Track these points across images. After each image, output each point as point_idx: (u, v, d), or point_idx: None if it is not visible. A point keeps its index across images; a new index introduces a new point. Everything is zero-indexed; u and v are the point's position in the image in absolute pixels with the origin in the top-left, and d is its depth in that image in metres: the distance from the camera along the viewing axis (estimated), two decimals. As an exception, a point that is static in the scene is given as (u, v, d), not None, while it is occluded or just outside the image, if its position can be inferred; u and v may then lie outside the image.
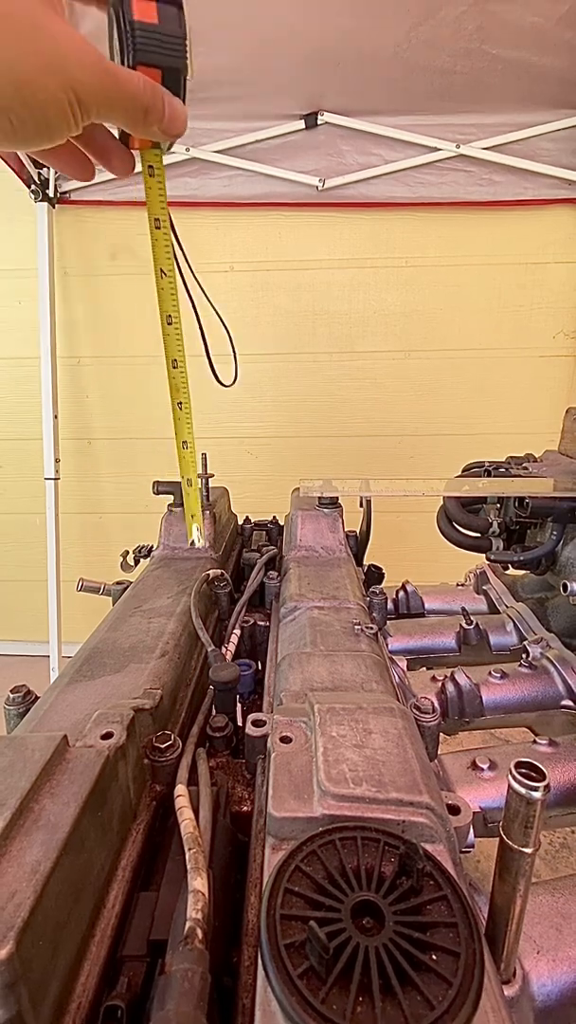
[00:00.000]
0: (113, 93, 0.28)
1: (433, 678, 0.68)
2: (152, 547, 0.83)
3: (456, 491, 0.85)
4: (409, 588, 0.92)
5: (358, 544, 0.94)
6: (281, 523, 1.03)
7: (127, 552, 0.86)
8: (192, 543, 0.45)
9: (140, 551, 0.85)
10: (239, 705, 0.56)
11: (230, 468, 1.93)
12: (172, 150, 0.38)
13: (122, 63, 0.30)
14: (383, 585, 0.83)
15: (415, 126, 1.67)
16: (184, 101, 0.31)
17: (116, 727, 0.35)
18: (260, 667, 0.63)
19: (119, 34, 0.30)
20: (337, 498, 0.83)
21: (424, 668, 0.81)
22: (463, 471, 0.94)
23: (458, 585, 1.01)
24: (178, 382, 0.41)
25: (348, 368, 1.86)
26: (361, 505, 0.93)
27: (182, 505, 0.80)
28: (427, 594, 0.93)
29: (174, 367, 0.41)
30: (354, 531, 0.95)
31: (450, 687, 0.65)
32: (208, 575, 0.67)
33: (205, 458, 0.83)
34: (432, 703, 0.47)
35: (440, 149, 1.69)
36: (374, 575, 0.87)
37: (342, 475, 0.79)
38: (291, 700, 0.43)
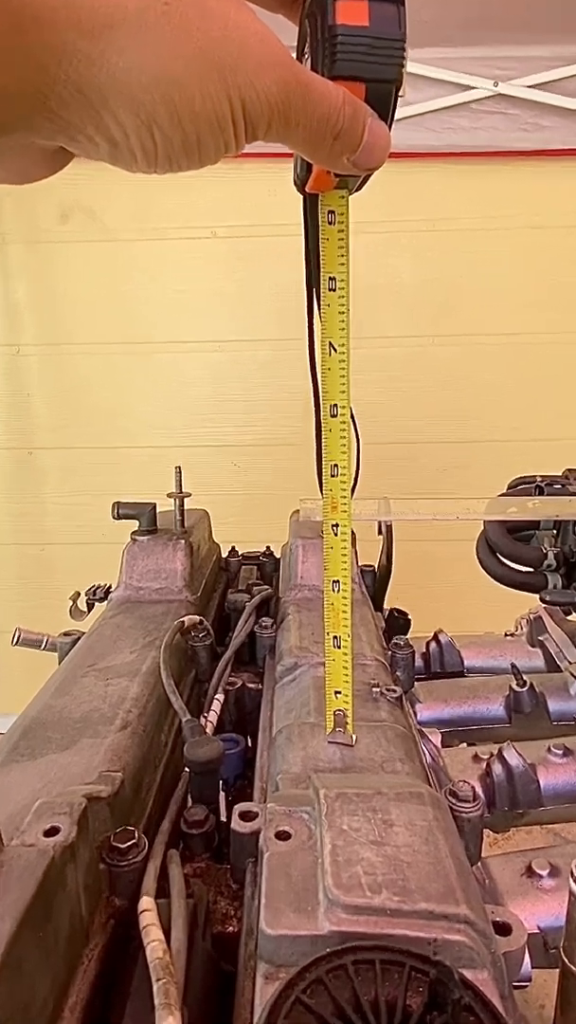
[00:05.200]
0: (298, 108, 0.26)
1: (475, 757, 0.68)
2: (110, 587, 0.84)
3: (500, 514, 0.87)
4: (443, 639, 0.92)
5: (376, 582, 0.95)
6: (277, 555, 1.03)
7: (78, 594, 0.86)
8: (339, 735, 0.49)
9: (95, 592, 0.85)
10: (223, 793, 0.56)
11: (211, 484, 1.94)
12: (356, 189, 0.38)
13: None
14: (409, 635, 0.83)
15: (444, 60, 1.74)
16: (391, 124, 0.30)
17: (63, 820, 0.35)
18: (250, 743, 0.62)
19: (313, 43, 0.30)
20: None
21: (464, 744, 0.80)
22: (509, 488, 0.95)
23: (507, 635, 1.01)
24: (336, 495, 0.46)
25: (358, 357, 1.89)
26: (380, 532, 0.93)
27: (150, 531, 0.82)
28: (466, 647, 0.93)
29: (332, 475, 0.45)
30: (371, 565, 0.96)
31: (497, 768, 0.65)
32: (182, 623, 0.67)
33: (180, 473, 0.84)
34: (474, 789, 0.47)
35: (474, 87, 1.76)
36: (397, 622, 0.87)
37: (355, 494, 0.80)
38: (290, 785, 0.43)
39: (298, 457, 1.95)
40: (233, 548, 1.05)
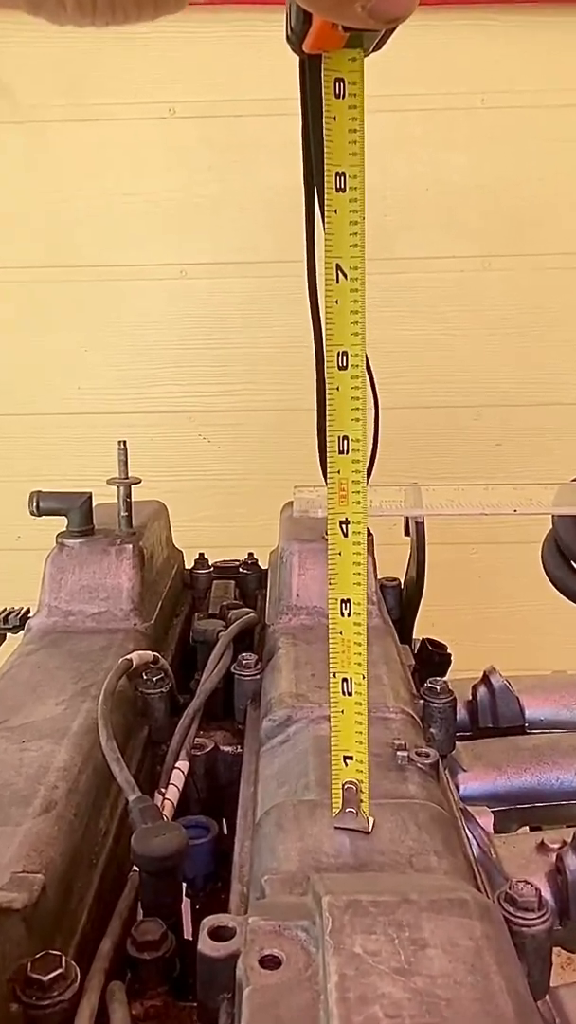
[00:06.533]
0: None
1: (541, 846, 0.68)
2: (28, 611, 0.83)
3: (575, 506, 0.87)
4: (496, 681, 0.92)
5: (402, 602, 0.95)
6: (262, 565, 1.04)
7: (-17, 621, 0.86)
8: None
9: (6, 619, 0.85)
10: (187, 901, 0.56)
11: (172, 466, 1.94)
12: (374, 49, 0.38)
13: None
14: (449, 676, 0.83)
15: None
16: None
17: (-40, 943, 0.35)
18: (225, 830, 0.63)
19: None
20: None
21: (525, 828, 0.81)
22: (588, 470, 0.95)
23: (584, 675, 1.01)
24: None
25: (382, 287, 1.89)
26: (407, 533, 0.93)
27: (83, 532, 0.81)
28: (528, 692, 0.94)
29: (341, 451, 0.45)
30: (395, 579, 0.96)
31: (572, 862, 0.65)
32: (129, 662, 0.67)
33: (125, 450, 0.84)
34: (539, 892, 0.47)
35: None
36: (432, 658, 0.88)
37: (371, 479, 0.80)
38: (282, 890, 0.43)
39: (292, 427, 1.95)
40: (201, 556, 1.05)
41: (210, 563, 1.05)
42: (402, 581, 0.97)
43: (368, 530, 0.88)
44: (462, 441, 1.97)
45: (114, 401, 1.97)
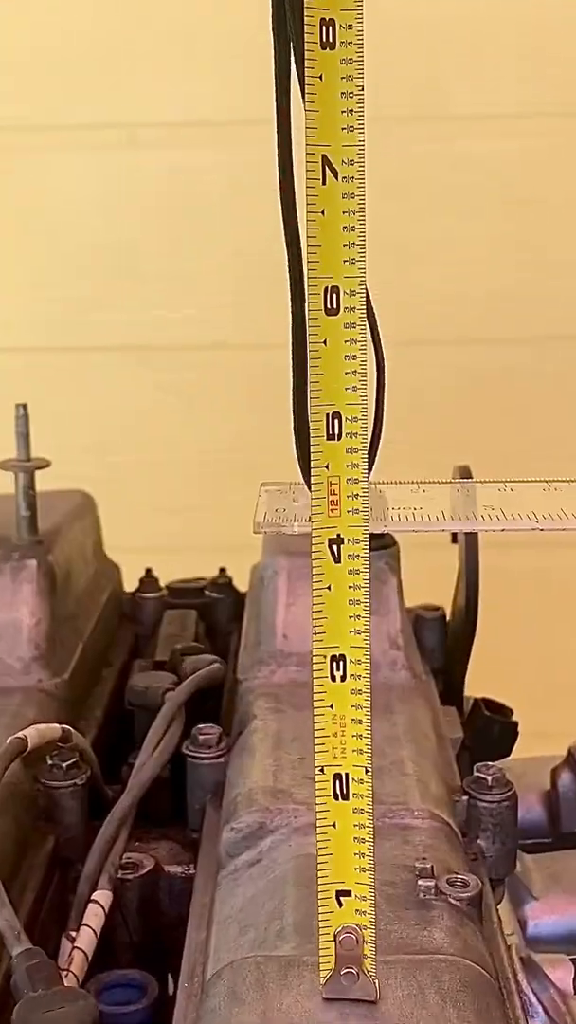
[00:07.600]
0: None
1: None
2: None
3: None
4: (589, 765, 0.93)
5: (448, 642, 0.95)
6: (241, 588, 1.04)
7: None
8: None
9: None
10: None
11: (106, 434, 1.94)
12: None
13: None
14: (514, 755, 0.83)
15: None
16: None
17: None
18: (166, 990, 0.63)
19: None
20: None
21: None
22: None
23: None
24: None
25: (419, 160, 1.88)
26: (455, 539, 0.93)
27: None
28: None
29: (331, 435, 0.45)
30: (438, 607, 0.96)
31: None
32: (22, 742, 0.67)
33: (26, 417, 0.84)
34: None
35: None
36: (490, 728, 0.88)
37: (394, 462, 0.78)
38: None
39: (275, 377, 1.93)
40: (148, 572, 1.05)
41: (162, 585, 1.04)
42: (450, 610, 0.97)
43: (394, 542, 0.87)
44: (536, 403, 1.95)
45: (20, 332, 1.96)
